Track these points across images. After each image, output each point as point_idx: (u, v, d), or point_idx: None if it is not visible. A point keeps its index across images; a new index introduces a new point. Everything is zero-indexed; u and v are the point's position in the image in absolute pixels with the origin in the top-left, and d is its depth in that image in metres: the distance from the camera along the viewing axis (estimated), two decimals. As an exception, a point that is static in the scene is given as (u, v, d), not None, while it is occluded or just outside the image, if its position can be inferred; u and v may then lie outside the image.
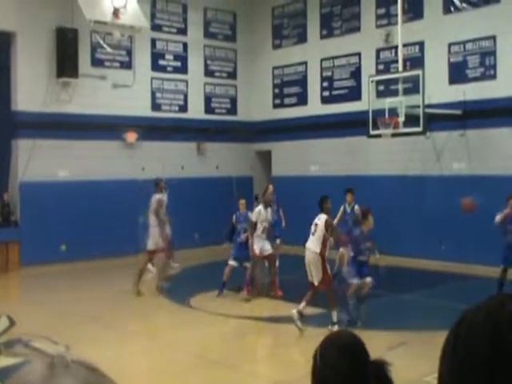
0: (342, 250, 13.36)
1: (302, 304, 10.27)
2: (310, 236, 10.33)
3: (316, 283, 10.14)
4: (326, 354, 2.16)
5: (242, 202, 13.92)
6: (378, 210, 16.09)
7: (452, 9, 16.07)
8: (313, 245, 10.17)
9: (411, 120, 14.61)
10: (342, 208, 14.28)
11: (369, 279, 10.88)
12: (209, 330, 10.78)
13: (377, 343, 10.43)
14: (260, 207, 13.17)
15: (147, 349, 9.98)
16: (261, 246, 13.03)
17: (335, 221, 13.78)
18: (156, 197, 13.77)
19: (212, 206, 19.23)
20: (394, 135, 15.00)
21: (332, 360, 2.14)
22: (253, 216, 13.10)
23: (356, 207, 13.98)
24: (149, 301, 12.45)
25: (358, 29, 18.32)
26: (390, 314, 12.26)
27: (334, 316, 10.17)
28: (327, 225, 10.22)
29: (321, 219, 10.29)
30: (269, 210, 13.32)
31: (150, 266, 14.99)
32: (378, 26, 17.75)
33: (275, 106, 20.77)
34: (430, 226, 16.08)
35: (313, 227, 10.35)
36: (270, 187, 14.43)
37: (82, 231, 16.85)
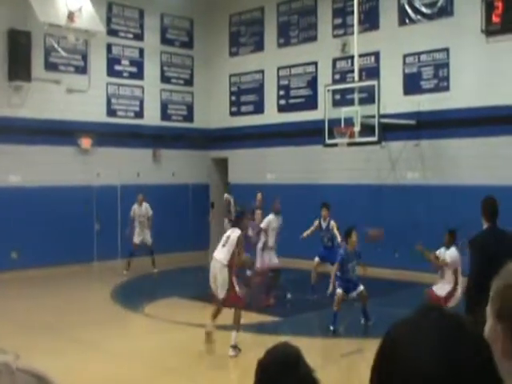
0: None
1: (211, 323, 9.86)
2: (220, 247, 9.92)
3: (221, 296, 9.67)
4: (267, 370, 2.22)
5: (258, 212, 13.99)
6: (333, 219, 16.25)
7: (407, 20, 16.31)
8: (222, 256, 9.74)
9: (367, 129, 14.75)
10: (316, 222, 14.15)
11: (361, 287, 11.13)
12: (164, 338, 10.65)
13: (332, 350, 10.50)
14: (271, 216, 13.39)
15: (101, 358, 9.80)
16: (269, 257, 13.16)
17: (307, 232, 13.86)
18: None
19: (168, 213, 19.09)
20: (349, 144, 15.12)
21: (275, 376, 2.21)
22: (263, 224, 13.15)
23: (332, 223, 14.01)
24: (103, 309, 12.25)
25: (314, 38, 18.45)
26: (344, 321, 12.32)
27: (234, 337, 9.63)
28: (239, 241, 9.78)
29: (234, 233, 9.89)
30: (280, 218, 13.52)
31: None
32: (334, 36, 17.91)
33: (232, 114, 20.76)
34: (385, 234, 16.22)
35: (224, 238, 9.99)
36: (259, 195, 14.80)
37: (34, 238, 16.48)
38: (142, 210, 16.74)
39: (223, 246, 9.85)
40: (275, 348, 2.30)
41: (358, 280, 11.35)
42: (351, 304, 11.78)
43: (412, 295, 14.19)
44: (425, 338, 1.13)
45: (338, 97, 16.59)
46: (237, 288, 9.76)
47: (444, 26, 15.54)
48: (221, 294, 9.65)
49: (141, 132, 19.26)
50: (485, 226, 6.84)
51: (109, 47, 18.96)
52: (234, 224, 10.33)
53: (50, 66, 17.58)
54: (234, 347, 9.59)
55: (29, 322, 11.54)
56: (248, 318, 11.93)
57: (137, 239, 16.60)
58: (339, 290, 11.02)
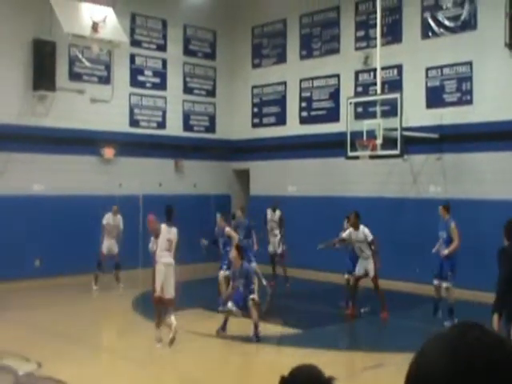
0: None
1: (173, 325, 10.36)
2: (166, 253, 10.48)
3: (170, 296, 10.42)
4: None
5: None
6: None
7: (430, 34, 16.27)
8: (172, 259, 10.54)
9: (389, 142, 14.70)
10: (347, 232, 13.29)
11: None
12: (186, 349, 10.64)
13: (353, 364, 10.44)
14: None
15: (121, 367, 9.82)
16: None
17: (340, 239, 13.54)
18: None
19: (189, 224, 19.10)
20: (371, 157, 15.08)
21: None
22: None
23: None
24: (125, 318, 12.29)
25: (337, 50, 18.46)
26: (366, 335, 12.26)
27: (159, 332, 10.34)
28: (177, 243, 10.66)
29: (172, 233, 10.62)
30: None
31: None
32: (357, 49, 17.91)
33: (254, 125, 20.80)
34: (406, 248, 16.14)
35: (167, 244, 10.51)
36: (239, 212, 14.82)
37: (57, 246, 16.60)
38: (115, 220, 16.36)
39: (169, 250, 10.47)
40: (300, 369, 2.30)
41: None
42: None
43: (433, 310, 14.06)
44: (463, 359, 1.11)
45: (360, 109, 16.56)
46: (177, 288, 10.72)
47: (467, 40, 15.48)
48: (168, 294, 10.38)
49: (163, 142, 19.35)
50: (506, 243, 7.23)
51: (132, 58, 19.12)
52: (169, 224, 10.76)
53: (74, 76, 17.76)
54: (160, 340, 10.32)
55: (52, 330, 11.60)
56: (269, 329, 11.93)
57: (105, 249, 16.16)
58: None
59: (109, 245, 16.21)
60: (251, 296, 11.08)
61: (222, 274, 13.75)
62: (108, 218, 16.37)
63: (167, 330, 10.30)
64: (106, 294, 15.62)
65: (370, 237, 12.86)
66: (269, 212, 16.97)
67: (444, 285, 12.34)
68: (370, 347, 10.95)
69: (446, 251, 12.29)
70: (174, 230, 10.71)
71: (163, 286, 10.42)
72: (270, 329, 11.92)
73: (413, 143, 15.33)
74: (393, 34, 16.94)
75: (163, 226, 10.70)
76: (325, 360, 10.32)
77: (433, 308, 12.55)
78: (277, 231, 16.77)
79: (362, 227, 12.96)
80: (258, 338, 10.90)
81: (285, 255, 16.69)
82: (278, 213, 16.99)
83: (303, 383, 2.26)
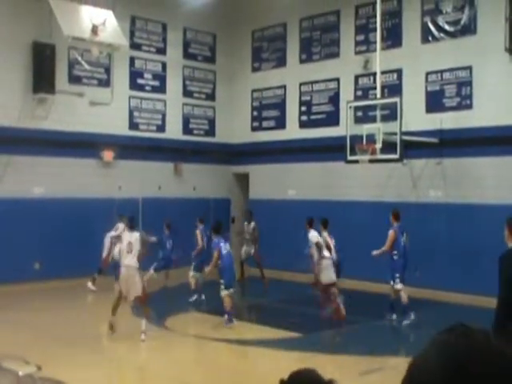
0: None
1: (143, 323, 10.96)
2: (126, 254, 11.07)
3: (132, 297, 10.93)
4: None
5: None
6: (353, 235, 16.20)
7: (430, 38, 16.29)
8: (133, 261, 10.96)
9: (388, 147, 14.70)
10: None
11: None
12: (185, 352, 10.64)
13: (351, 368, 10.41)
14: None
15: (121, 371, 9.81)
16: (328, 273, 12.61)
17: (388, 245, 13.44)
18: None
19: (188, 227, 19.09)
20: (371, 161, 15.08)
21: None
22: (316, 238, 12.69)
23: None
24: (124, 322, 12.24)
25: (337, 54, 18.47)
26: (364, 339, 12.23)
27: (143, 324, 10.90)
28: (142, 241, 11.20)
29: (133, 237, 11.19)
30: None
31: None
32: (356, 53, 17.92)
33: (253, 129, 20.79)
34: (406, 252, 16.10)
35: (127, 247, 11.09)
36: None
37: (57, 249, 16.58)
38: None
39: (129, 252, 11.00)
40: (299, 373, 2.28)
41: None
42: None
43: (432, 314, 14.08)
44: (442, 354, 1.11)
45: (359, 113, 16.56)
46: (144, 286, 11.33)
47: (467, 44, 15.49)
48: (133, 294, 10.94)
49: (162, 146, 19.35)
50: (510, 245, 6.70)
51: (132, 61, 19.12)
52: (131, 228, 11.60)
53: (74, 79, 17.76)
54: (144, 332, 10.87)
55: (52, 333, 11.58)
56: (267, 333, 11.92)
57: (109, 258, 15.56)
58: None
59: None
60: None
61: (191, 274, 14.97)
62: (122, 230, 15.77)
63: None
64: (106, 296, 15.56)
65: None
66: (245, 224, 17.70)
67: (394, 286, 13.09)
68: (370, 351, 10.93)
69: (374, 252, 13.28)
70: (136, 235, 11.37)
71: (128, 287, 10.98)
72: (266, 332, 11.92)
73: (412, 147, 15.33)
74: (393, 38, 16.95)
75: (125, 232, 11.77)
76: (324, 364, 10.30)
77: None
78: (251, 244, 17.30)
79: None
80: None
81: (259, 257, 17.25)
82: (252, 224, 17.18)
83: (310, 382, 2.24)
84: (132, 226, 11.66)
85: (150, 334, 11.26)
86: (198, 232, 15.51)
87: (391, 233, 13.33)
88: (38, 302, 14.69)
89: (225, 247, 12.43)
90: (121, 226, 15.02)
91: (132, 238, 11.25)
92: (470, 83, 15.52)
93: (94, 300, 14.97)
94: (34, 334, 11.52)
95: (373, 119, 15.44)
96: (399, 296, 13.03)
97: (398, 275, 13.08)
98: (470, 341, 1.11)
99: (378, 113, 15.29)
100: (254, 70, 20.81)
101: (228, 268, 12.35)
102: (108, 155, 18.04)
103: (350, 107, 16.05)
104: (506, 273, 6.21)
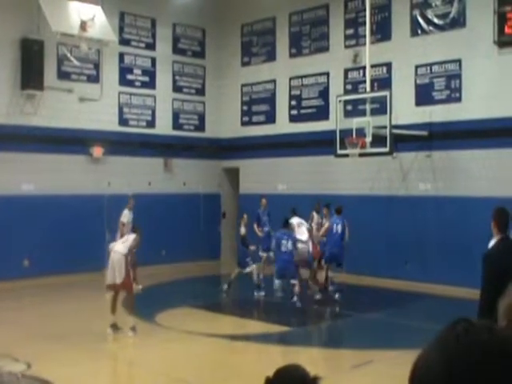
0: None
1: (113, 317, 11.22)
2: (119, 243, 11.63)
3: (118, 281, 11.07)
4: None
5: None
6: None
7: (419, 31, 16.29)
8: (120, 248, 11.33)
9: (378, 140, 14.72)
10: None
11: None
12: (175, 348, 10.62)
13: (342, 361, 10.44)
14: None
15: (111, 367, 9.79)
16: None
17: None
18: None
19: (179, 222, 19.11)
20: (361, 155, 15.10)
21: None
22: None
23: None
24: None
25: (326, 48, 18.46)
26: (355, 332, 12.27)
27: (131, 321, 11.11)
28: (135, 243, 11.61)
29: (131, 236, 11.78)
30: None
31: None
32: (346, 47, 17.91)
33: (243, 124, 20.77)
34: (396, 245, 16.18)
35: (124, 239, 11.87)
36: (263, 200, 16.38)
37: (46, 246, 16.51)
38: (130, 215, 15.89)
39: (123, 242, 11.58)
40: (284, 369, 2.27)
41: None
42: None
43: (423, 307, 14.15)
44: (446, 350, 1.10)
45: (349, 107, 16.57)
46: (131, 277, 11.57)
47: (456, 37, 15.51)
48: (118, 279, 11.07)
49: (152, 141, 19.30)
50: (496, 237, 6.68)
51: (121, 56, 19.04)
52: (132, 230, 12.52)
53: (63, 75, 17.67)
54: (134, 328, 11.06)
55: (41, 330, 11.53)
56: (258, 327, 11.93)
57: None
58: None
59: None
60: None
61: None
62: (126, 215, 15.83)
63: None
64: (97, 293, 15.52)
65: None
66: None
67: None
68: (359, 344, 10.95)
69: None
70: (132, 236, 11.89)
71: (113, 272, 11.22)
72: (256, 327, 11.92)
73: (402, 141, 15.36)
74: (382, 31, 16.95)
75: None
76: (313, 358, 10.32)
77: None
78: None
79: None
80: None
81: None
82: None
83: (295, 378, 2.24)
84: (133, 230, 12.48)
85: (140, 330, 11.25)
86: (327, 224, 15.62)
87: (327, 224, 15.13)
88: (27, 300, 14.65)
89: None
90: (125, 212, 15.89)
91: (130, 236, 11.94)
92: (459, 76, 15.55)
93: (83, 296, 14.91)
94: (23, 331, 11.48)
95: (362, 113, 15.45)
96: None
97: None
98: (472, 339, 1.09)
99: (368, 106, 15.30)
100: (244, 64, 20.77)
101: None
102: (97, 151, 17.97)
103: (340, 101, 16.05)
104: (489, 272, 6.19)
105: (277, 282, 13.64)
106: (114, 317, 11.23)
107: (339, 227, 14.74)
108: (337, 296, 14.34)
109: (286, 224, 14.13)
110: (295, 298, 13.45)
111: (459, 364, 1.07)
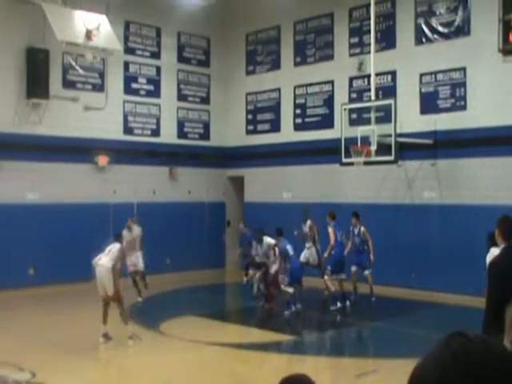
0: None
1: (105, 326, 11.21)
2: (103, 256, 11.41)
3: (110, 293, 11.10)
4: None
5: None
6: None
7: (424, 40, 16.30)
8: (105, 261, 11.25)
9: (383, 148, 14.70)
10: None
11: None
12: (178, 357, 10.59)
13: (347, 370, 10.39)
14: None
15: (115, 376, 9.76)
16: None
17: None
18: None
19: (183, 231, 19.10)
20: (366, 163, 15.08)
21: None
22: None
23: (362, 229, 15.25)
24: (119, 327, 12.21)
25: (331, 57, 18.47)
26: (360, 341, 12.22)
27: (130, 329, 11.14)
28: (121, 253, 11.62)
29: (115, 247, 11.60)
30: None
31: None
32: (351, 55, 17.92)
33: (248, 132, 20.78)
34: (401, 253, 16.13)
35: (107, 251, 11.53)
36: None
37: (51, 255, 16.52)
38: (132, 234, 15.38)
39: (106, 255, 11.43)
40: (290, 379, 2.25)
41: None
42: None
43: (428, 315, 14.09)
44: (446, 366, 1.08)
45: (354, 115, 16.55)
46: (121, 289, 11.40)
47: (461, 46, 15.50)
48: (110, 291, 11.13)
49: (157, 150, 19.32)
50: (501, 246, 6.64)
51: (126, 65, 19.09)
52: (115, 240, 12.17)
53: (68, 84, 17.72)
54: (133, 337, 11.13)
55: (46, 339, 11.51)
56: (263, 336, 11.88)
57: (131, 267, 15.20)
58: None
59: (134, 260, 15.24)
60: None
61: None
62: (126, 236, 15.12)
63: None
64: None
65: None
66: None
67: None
68: (364, 353, 10.91)
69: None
70: (117, 245, 11.75)
71: (103, 285, 11.25)
72: (261, 335, 11.88)
73: (407, 149, 15.34)
74: (387, 40, 16.96)
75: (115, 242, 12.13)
76: (318, 367, 10.27)
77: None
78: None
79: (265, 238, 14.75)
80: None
81: None
82: (308, 223, 16.56)
83: None
84: (117, 239, 12.28)
85: (144, 339, 11.22)
86: (330, 229, 14.89)
87: (331, 230, 14.77)
88: (32, 308, 14.62)
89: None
90: (124, 231, 14.94)
91: (114, 247, 11.67)
92: (463, 84, 15.53)
93: (88, 306, 14.88)
94: (28, 340, 11.46)
95: (367, 121, 15.43)
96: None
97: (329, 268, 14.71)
98: (468, 356, 1.08)
99: (373, 115, 15.29)
100: (249, 73, 20.81)
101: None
102: (102, 160, 17.99)
103: (345, 109, 16.04)
104: (494, 280, 6.11)
105: (290, 290, 13.60)
106: (105, 326, 11.25)
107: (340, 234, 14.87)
108: (348, 304, 14.44)
109: (280, 233, 14.19)
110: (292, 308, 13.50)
111: (456, 383, 1.06)
